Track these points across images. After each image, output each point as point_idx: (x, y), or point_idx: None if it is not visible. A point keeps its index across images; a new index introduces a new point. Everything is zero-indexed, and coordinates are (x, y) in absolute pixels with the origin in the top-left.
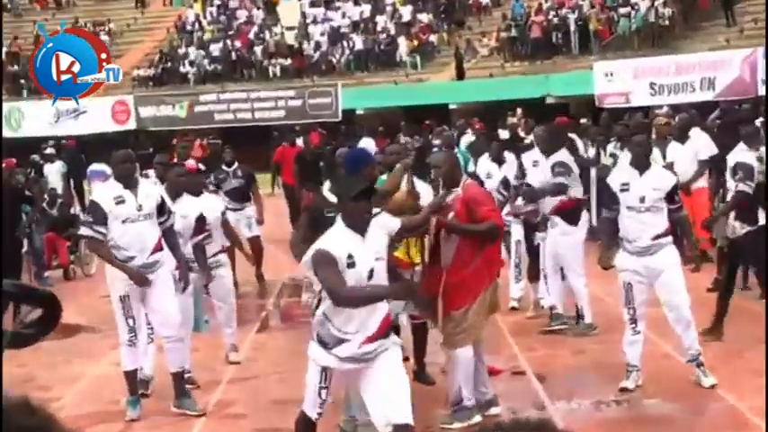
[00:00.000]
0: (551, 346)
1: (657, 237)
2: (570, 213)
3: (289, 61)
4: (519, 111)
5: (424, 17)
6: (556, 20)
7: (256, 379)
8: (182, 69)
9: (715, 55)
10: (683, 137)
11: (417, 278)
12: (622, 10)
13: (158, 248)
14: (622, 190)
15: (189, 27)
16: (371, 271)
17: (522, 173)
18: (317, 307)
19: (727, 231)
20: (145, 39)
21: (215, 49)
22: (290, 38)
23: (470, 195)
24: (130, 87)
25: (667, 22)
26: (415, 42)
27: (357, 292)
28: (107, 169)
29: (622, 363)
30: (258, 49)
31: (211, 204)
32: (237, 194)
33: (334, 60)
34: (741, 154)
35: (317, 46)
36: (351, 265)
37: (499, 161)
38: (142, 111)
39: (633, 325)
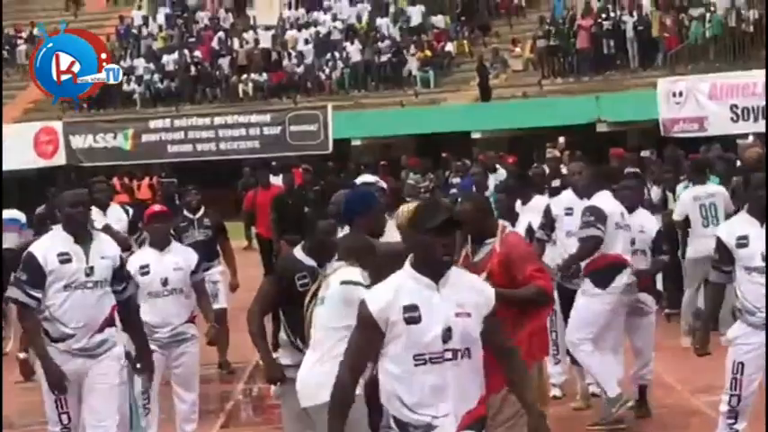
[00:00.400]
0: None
1: None
2: (600, 273)
3: (264, 77)
4: (561, 140)
5: (439, 20)
6: (608, 24)
7: None
8: (125, 87)
9: None
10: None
11: None
12: (694, 12)
13: (107, 324)
14: (739, 245)
15: (135, 32)
16: (449, 331)
17: (549, 222)
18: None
19: None
20: None
21: (168, 61)
22: (267, 40)
23: (510, 250)
24: (59, 111)
25: (752, 28)
26: (428, 53)
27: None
28: (21, 217)
29: None
30: (224, 62)
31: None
32: (203, 250)
33: (322, 76)
34: None
35: (301, 57)
36: (411, 320)
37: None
38: (74, 141)
39: (731, 420)
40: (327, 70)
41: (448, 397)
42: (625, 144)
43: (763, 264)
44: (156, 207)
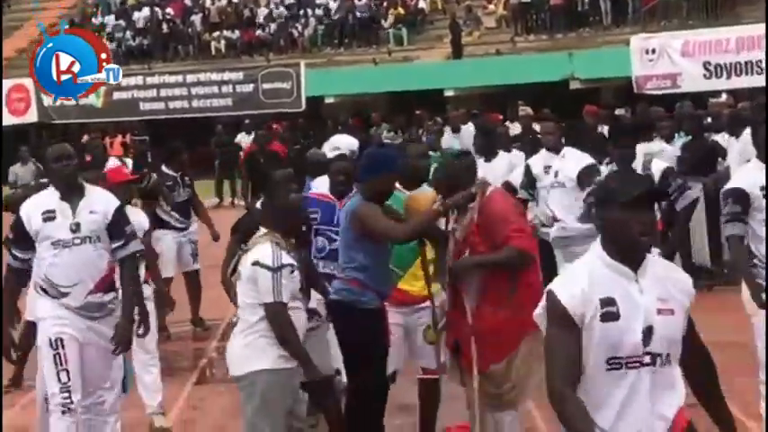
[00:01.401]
0: None
1: None
2: None
3: (237, 34)
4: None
5: None
6: None
7: None
8: None
9: None
10: (737, 129)
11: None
12: None
13: (107, 287)
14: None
15: None
16: (649, 331)
17: (530, 180)
18: None
19: None
20: (48, 5)
21: (140, 18)
22: None
23: (486, 217)
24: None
25: None
26: (401, 10)
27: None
28: None
29: None
30: (196, 19)
31: (139, 220)
32: (186, 208)
33: (295, 33)
34: None
35: (273, 14)
36: (609, 316)
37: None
38: (45, 98)
39: None
40: (300, 27)
41: (637, 410)
42: (598, 101)
43: None
44: (125, 171)
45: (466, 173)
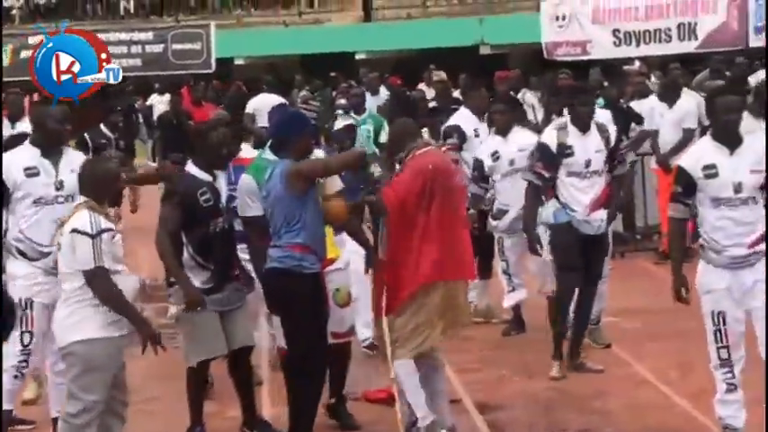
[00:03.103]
0: (498, 365)
1: (756, 243)
2: None
3: None
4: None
5: None
6: None
7: None
8: (4, 3)
9: None
10: (670, 97)
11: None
12: None
13: None
14: (708, 176)
15: None
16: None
17: (483, 176)
18: None
19: None
20: None
21: None
22: None
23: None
24: None
25: None
26: None
27: None
28: None
29: (589, 391)
30: None
31: None
32: None
33: None
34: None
35: None
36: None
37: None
38: None
39: (728, 374)
40: None
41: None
42: (507, 67)
43: (735, 195)
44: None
45: (408, 136)
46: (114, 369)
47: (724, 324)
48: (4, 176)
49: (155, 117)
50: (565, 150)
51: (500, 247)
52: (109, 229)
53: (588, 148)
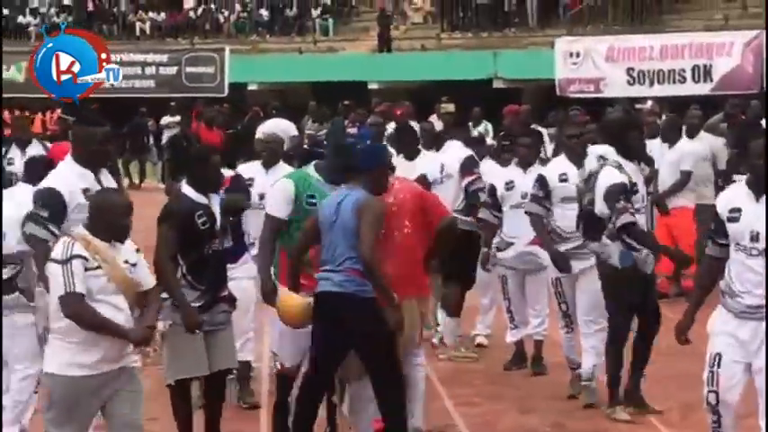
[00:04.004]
0: (497, 399)
1: None
2: None
3: (163, 16)
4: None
5: None
6: None
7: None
8: (21, 20)
9: (710, 36)
10: (671, 138)
11: None
12: None
13: None
14: (731, 219)
15: None
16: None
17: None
18: None
19: None
20: None
21: None
22: None
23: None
24: None
25: None
26: (328, 1)
27: None
28: None
29: (590, 429)
30: None
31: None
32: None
33: (221, 18)
34: None
35: None
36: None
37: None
38: None
39: (715, 423)
40: (226, 13)
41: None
42: (519, 102)
43: (750, 243)
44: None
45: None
46: (81, 408)
47: (719, 367)
48: (67, 198)
49: (164, 139)
50: (633, 188)
51: (504, 285)
52: (81, 256)
53: (642, 182)
